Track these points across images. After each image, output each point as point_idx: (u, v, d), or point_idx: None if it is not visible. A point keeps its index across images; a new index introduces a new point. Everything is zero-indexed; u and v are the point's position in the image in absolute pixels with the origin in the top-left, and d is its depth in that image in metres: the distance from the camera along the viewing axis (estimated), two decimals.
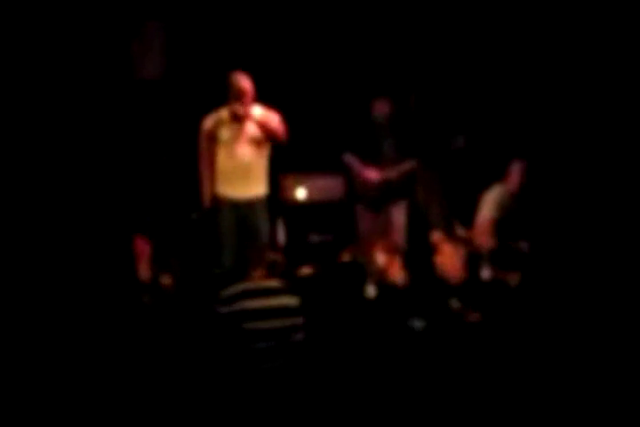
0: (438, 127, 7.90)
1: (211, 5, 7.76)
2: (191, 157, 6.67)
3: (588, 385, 5.16)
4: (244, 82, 6.39)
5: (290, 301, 5.43)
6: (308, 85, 8.07)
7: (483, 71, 8.01)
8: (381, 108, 7.05)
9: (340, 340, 5.87)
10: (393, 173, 6.95)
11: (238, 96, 6.34)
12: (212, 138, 6.47)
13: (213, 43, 7.79)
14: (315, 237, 7.64)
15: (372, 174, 6.90)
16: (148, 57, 7.60)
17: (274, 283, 5.53)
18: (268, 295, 5.40)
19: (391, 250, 6.86)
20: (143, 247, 6.41)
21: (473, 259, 6.89)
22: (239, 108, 6.34)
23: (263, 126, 6.36)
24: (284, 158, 7.44)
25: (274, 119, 6.43)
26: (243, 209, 6.42)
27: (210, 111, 6.53)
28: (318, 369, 5.42)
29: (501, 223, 7.23)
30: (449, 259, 6.86)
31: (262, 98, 6.48)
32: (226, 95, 6.42)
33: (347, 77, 7.98)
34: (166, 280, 6.65)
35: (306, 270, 6.86)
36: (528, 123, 7.71)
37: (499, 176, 7.43)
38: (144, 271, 6.35)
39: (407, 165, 7.04)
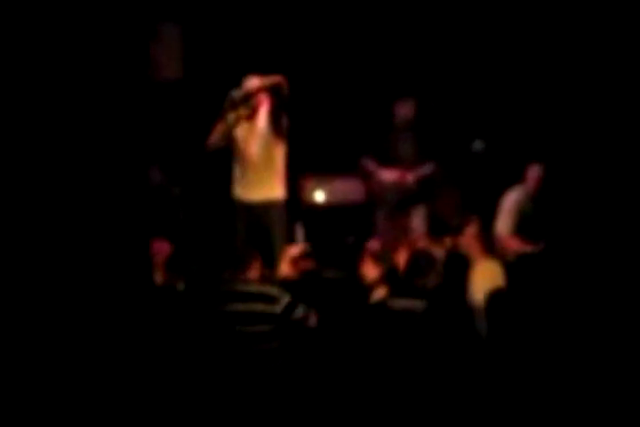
0: (458, 131, 7.87)
1: (228, 7, 7.75)
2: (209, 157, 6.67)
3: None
4: (251, 82, 6.40)
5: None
6: (329, 87, 8.05)
7: (499, 75, 7.98)
8: (403, 111, 7.03)
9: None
10: (411, 176, 6.92)
11: (247, 98, 6.35)
12: (229, 137, 6.46)
13: (231, 45, 7.77)
14: (336, 240, 7.61)
15: (389, 175, 6.87)
16: (167, 59, 7.59)
17: (271, 289, 5.49)
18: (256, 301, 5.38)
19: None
20: (161, 250, 6.37)
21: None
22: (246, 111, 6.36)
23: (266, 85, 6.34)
24: (304, 160, 7.43)
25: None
26: (256, 211, 6.40)
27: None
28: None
29: (520, 227, 7.19)
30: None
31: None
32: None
33: (368, 79, 7.95)
34: (181, 285, 6.61)
35: (330, 273, 6.81)
36: (544, 127, 7.67)
37: (517, 179, 7.39)
38: (159, 275, 6.31)
39: (426, 169, 7.00)
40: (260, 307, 5.36)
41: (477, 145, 7.71)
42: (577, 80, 7.37)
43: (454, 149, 7.64)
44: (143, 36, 7.51)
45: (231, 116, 6.41)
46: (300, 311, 5.44)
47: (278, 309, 5.38)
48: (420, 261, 5.74)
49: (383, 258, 6.50)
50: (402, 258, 6.29)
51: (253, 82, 6.43)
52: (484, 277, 5.99)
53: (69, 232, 6.62)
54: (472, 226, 6.32)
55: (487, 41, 7.93)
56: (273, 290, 5.48)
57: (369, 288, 6.25)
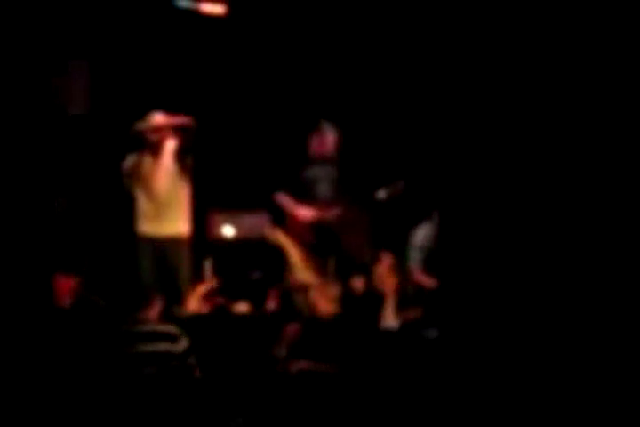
0: (365, 173, 7.93)
1: (136, 45, 7.77)
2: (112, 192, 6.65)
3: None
4: (158, 118, 6.43)
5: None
6: (240, 121, 8.06)
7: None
8: (319, 145, 6.99)
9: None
10: (328, 213, 6.89)
11: (152, 131, 6.37)
12: (132, 176, 6.45)
13: (138, 80, 7.78)
14: (245, 275, 7.57)
15: (305, 213, 6.83)
16: (74, 93, 7.56)
17: (167, 327, 5.43)
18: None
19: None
20: (66, 283, 6.24)
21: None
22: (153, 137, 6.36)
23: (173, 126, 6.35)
24: (211, 196, 7.40)
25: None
26: (162, 247, 6.36)
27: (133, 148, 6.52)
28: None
29: (429, 261, 7.25)
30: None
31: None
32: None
33: (281, 112, 7.96)
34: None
35: (242, 307, 6.76)
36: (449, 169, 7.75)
37: (427, 215, 7.45)
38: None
39: (340, 210, 6.97)
40: (162, 346, 5.28)
41: (381, 194, 7.74)
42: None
43: (361, 195, 7.68)
44: (51, 72, 7.49)
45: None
46: (192, 359, 5.38)
47: (180, 348, 5.31)
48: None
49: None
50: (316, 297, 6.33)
51: (159, 118, 6.44)
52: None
53: None
54: (387, 259, 6.36)
55: (410, 71, 8.00)
56: (172, 329, 5.40)
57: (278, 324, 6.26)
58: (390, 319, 6.15)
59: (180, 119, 6.45)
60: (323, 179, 6.99)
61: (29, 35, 7.29)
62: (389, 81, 8.05)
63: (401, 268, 7.01)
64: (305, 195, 6.97)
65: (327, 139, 7.04)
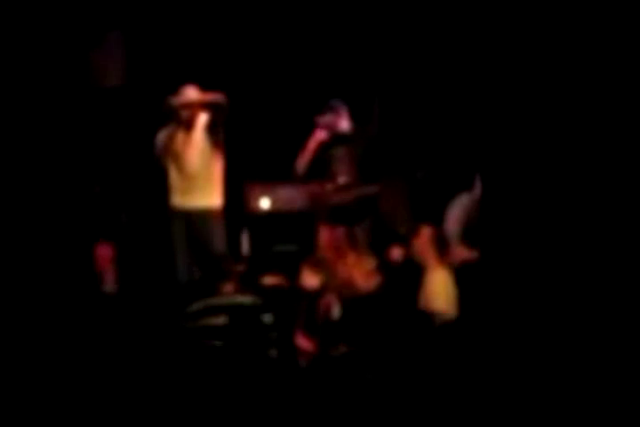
0: (403, 141, 7.85)
1: (170, 15, 7.76)
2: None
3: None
4: (190, 93, 6.41)
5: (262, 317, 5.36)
6: (274, 94, 8.04)
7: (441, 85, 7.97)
8: (333, 123, 6.93)
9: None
10: (348, 195, 6.84)
11: (184, 107, 6.37)
12: (165, 150, 6.47)
13: (173, 52, 7.78)
14: (278, 247, 7.57)
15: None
16: (109, 66, 7.58)
17: (245, 298, 5.42)
18: (236, 312, 5.33)
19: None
20: (105, 253, 6.30)
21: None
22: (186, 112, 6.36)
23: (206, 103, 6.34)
24: (249, 168, 7.40)
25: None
26: (194, 220, 6.37)
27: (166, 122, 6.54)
28: (293, 387, 5.32)
29: (468, 232, 7.17)
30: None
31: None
32: None
33: (316, 88, 7.92)
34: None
35: (270, 279, 6.75)
36: (488, 135, 7.66)
37: (466, 186, 7.37)
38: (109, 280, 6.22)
39: (367, 190, 6.91)
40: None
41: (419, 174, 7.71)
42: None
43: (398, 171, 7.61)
44: (86, 44, 7.52)
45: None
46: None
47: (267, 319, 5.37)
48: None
49: (322, 267, 6.49)
50: (341, 268, 6.28)
51: (192, 94, 6.43)
52: (442, 284, 5.96)
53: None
54: (426, 232, 6.28)
55: (424, 49, 7.93)
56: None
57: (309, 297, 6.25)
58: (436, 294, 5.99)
59: (212, 95, 6.44)
60: (340, 157, 6.93)
61: (65, 7, 7.31)
62: (426, 53, 7.96)
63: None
64: (323, 174, 6.93)
65: (340, 117, 6.98)
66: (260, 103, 7.93)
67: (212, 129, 6.42)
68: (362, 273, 6.32)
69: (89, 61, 7.54)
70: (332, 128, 6.95)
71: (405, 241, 6.56)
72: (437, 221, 7.21)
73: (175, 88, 6.52)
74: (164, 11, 7.71)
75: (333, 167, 6.92)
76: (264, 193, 7.58)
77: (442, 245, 6.21)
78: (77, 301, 5.63)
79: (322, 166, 6.94)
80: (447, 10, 7.72)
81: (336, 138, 6.92)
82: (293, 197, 7.51)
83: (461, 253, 6.95)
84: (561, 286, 6.30)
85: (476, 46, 7.55)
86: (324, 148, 6.96)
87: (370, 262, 6.49)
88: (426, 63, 7.96)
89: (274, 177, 7.64)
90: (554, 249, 6.68)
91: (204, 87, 6.53)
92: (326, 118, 7.00)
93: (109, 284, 6.02)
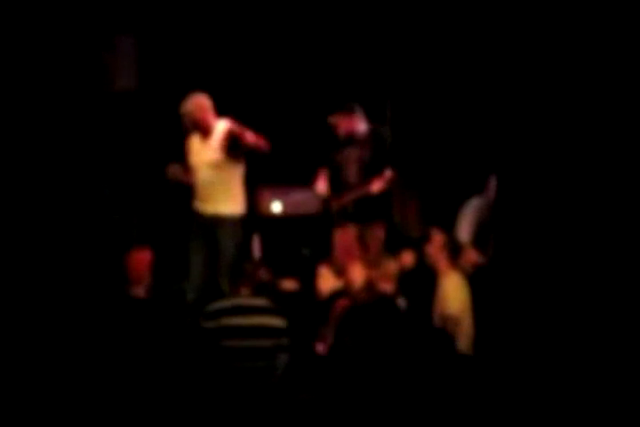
0: (415, 144, 7.84)
1: (183, 19, 7.77)
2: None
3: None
4: (196, 110, 6.23)
5: (275, 321, 5.35)
6: (285, 98, 8.04)
7: (457, 84, 7.97)
8: (347, 126, 6.87)
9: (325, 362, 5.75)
10: (350, 195, 6.79)
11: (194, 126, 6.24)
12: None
13: (185, 57, 7.78)
14: (292, 251, 7.57)
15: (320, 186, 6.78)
16: (122, 70, 7.58)
17: (260, 301, 5.44)
18: (253, 313, 5.33)
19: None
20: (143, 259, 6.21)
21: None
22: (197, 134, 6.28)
23: (233, 136, 6.21)
24: (261, 171, 7.38)
25: (246, 130, 6.22)
26: (210, 225, 6.33)
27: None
28: (303, 391, 5.33)
29: (479, 235, 7.16)
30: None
31: (235, 111, 6.39)
32: None
33: (331, 91, 7.92)
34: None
35: (287, 284, 6.74)
36: (502, 138, 7.65)
37: (478, 190, 7.36)
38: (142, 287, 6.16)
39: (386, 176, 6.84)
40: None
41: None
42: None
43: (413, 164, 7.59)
44: (99, 48, 7.52)
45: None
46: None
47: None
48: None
49: (338, 271, 6.47)
50: (356, 273, 6.24)
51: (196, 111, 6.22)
52: (456, 289, 5.94)
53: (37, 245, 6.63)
54: (438, 237, 6.25)
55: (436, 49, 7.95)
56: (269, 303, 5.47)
57: (325, 301, 6.23)
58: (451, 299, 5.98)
59: (252, 138, 6.19)
60: (352, 161, 6.87)
61: (78, 11, 7.32)
62: (440, 56, 7.97)
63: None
64: (336, 177, 6.88)
65: (355, 120, 6.91)
66: (272, 106, 7.92)
67: (231, 144, 6.23)
68: (381, 276, 6.28)
69: (102, 65, 7.53)
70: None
71: (417, 246, 6.56)
72: (449, 225, 7.23)
73: (187, 90, 6.41)
74: (177, 15, 7.71)
75: (345, 170, 6.88)
76: (275, 197, 7.59)
77: (454, 250, 6.20)
78: (106, 305, 5.60)
79: (333, 169, 6.89)
80: (463, 14, 7.72)
81: (350, 140, 6.87)
82: (305, 200, 7.52)
83: (474, 257, 6.94)
84: (574, 290, 6.30)
85: (491, 49, 7.55)
86: (336, 150, 6.91)
87: (389, 266, 6.45)
88: (440, 65, 7.96)
89: (285, 181, 7.66)
90: (567, 253, 6.67)
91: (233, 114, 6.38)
92: (342, 121, 6.92)
93: (142, 288, 5.93)
